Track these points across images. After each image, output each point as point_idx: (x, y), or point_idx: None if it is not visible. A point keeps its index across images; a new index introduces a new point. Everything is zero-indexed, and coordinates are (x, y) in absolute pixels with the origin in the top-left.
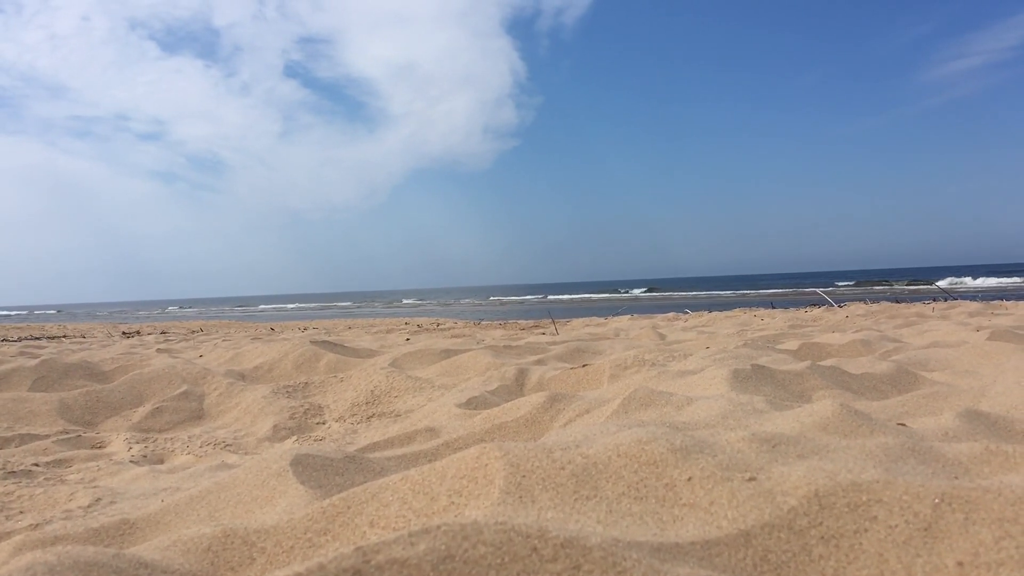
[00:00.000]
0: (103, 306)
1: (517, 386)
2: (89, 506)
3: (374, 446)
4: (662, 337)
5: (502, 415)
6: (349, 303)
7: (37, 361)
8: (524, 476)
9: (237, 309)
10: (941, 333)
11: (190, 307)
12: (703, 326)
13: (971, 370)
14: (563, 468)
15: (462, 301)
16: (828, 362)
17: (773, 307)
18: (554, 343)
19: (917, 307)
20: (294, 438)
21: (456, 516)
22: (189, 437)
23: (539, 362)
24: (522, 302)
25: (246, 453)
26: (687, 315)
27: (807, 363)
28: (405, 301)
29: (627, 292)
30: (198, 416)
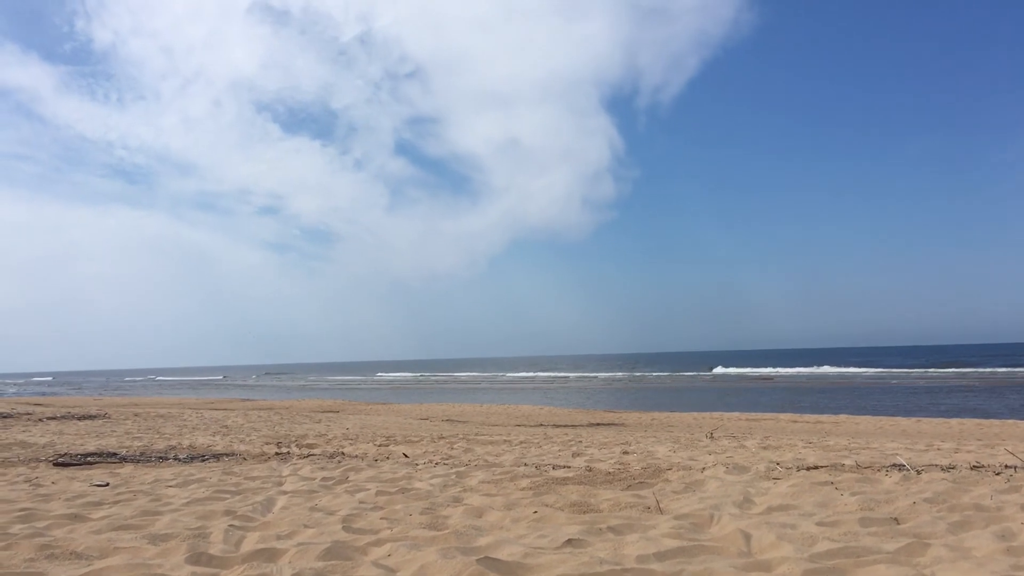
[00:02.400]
0: (226, 370)
1: None
2: None
3: None
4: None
5: None
6: (445, 374)
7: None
8: None
9: (354, 379)
10: None
11: (303, 373)
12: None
13: None
14: None
15: (551, 375)
16: None
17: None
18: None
19: None
20: None
21: None
22: None
23: None
24: (613, 382)
25: None
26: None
27: None
28: (509, 375)
29: (710, 371)
30: None
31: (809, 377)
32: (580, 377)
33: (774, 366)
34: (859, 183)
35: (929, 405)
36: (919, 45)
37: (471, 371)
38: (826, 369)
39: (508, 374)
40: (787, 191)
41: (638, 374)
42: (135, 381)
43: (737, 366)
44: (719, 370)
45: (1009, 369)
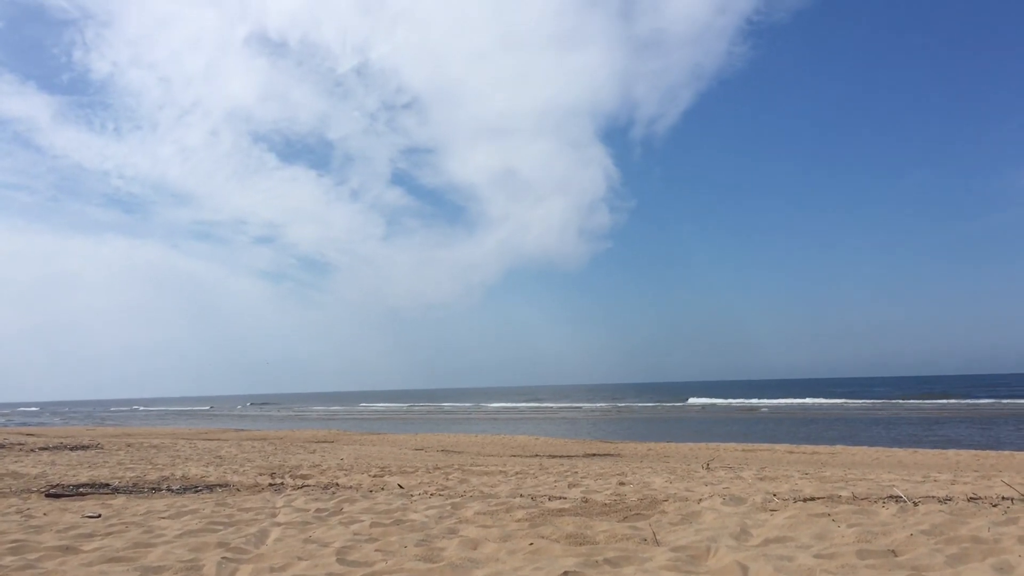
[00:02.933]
0: (217, 400)
1: None
2: None
3: None
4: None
5: None
6: (433, 405)
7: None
8: None
9: (348, 408)
10: None
11: (297, 403)
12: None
13: None
14: None
15: (541, 406)
16: None
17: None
18: None
19: None
20: None
21: None
22: None
23: None
24: (604, 412)
25: None
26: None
27: None
28: (493, 405)
29: (685, 401)
30: None
31: (799, 407)
32: (575, 407)
33: (763, 396)
34: (852, 214)
35: (924, 436)
36: (916, 73)
37: (466, 401)
38: (819, 400)
39: (503, 404)
40: (780, 222)
41: (633, 404)
42: (120, 412)
43: (725, 396)
44: (698, 400)
45: (1002, 400)
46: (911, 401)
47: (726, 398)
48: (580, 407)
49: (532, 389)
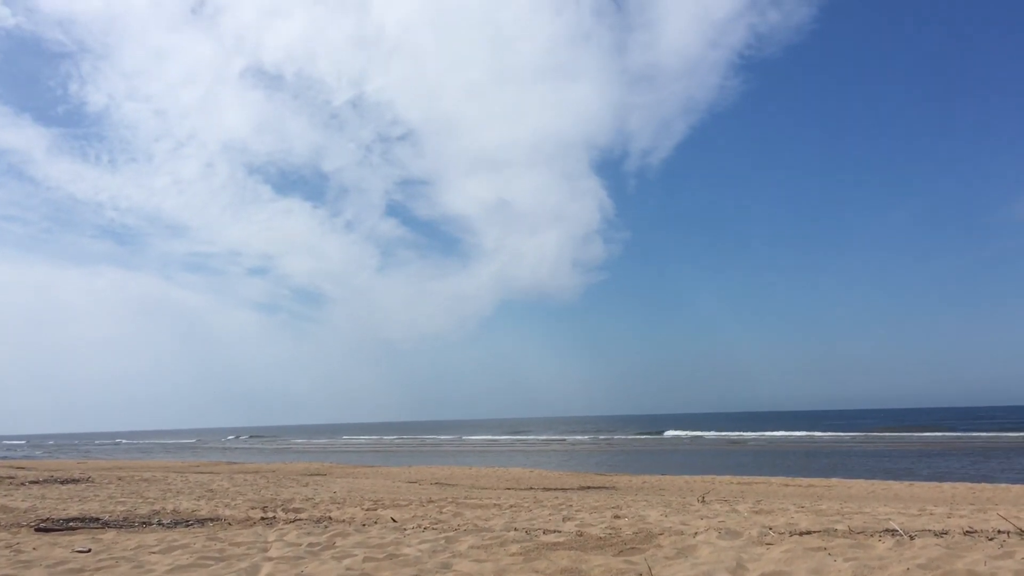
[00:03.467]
0: (210, 432)
1: None
2: None
3: None
4: None
5: None
6: (426, 437)
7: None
8: None
9: (341, 441)
10: None
11: (289, 436)
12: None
13: None
14: None
15: (535, 438)
16: None
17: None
18: None
19: None
20: None
21: None
22: None
23: None
24: (599, 444)
25: None
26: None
27: None
28: (474, 438)
29: (660, 433)
30: None
31: (794, 440)
32: (569, 439)
33: (757, 429)
34: (842, 248)
35: (918, 469)
36: (906, 108)
37: (459, 433)
38: (813, 433)
39: (497, 436)
40: (771, 255)
41: (627, 436)
42: (103, 445)
43: (718, 429)
44: (691, 432)
45: (992, 433)
46: (902, 434)
47: (720, 430)
48: (574, 439)
49: (526, 421)
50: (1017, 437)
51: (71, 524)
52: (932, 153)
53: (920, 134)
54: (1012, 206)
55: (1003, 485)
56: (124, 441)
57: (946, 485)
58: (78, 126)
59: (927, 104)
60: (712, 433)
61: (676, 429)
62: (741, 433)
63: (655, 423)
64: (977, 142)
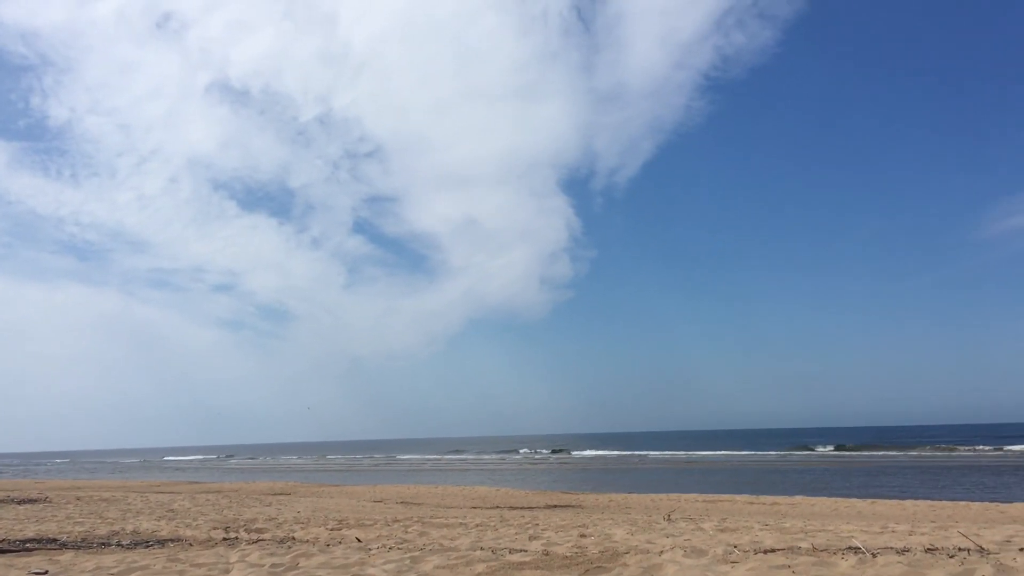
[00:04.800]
0: (173, 451)
1: None
2: None
3: None
4: None
5: None
6: (392, 456)
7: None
8: None
9: (306, 460)
10: None
11: (255, 456)
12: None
13: None
14: None
15: (501, 455)
16: None
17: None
18: None
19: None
20: None
21: None
22: None
23: None
24: (565, 462)
25: None
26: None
27: None
28: (440, 456)
29: (643, 454)
30: None
31: (760, 459)
32: (536, 456)
33: (723, 448)
34: (808, 267)
35: (881, 486)
36: (874, 127)
37: (427, 451)
38: (783, 452)
39: (463, 455)
40: (737, 275)
41: (593, 453)
42: (61, 464)
43: (683, 448)
44: (662, 453)
45: (952, 451)
46: (864, 452)
47: (686, 449)
48: (541, 456)
49: (493, 439)
50: (972, 455)
51: (28, 545)
52: (892, 175)
53: (879, 157)
54: (967, 229)
55: (963, 503)
56: (83, 460)
57: (907, 503)
58: (39, 140)
59: (887, 128)
60: (682, 453)
61: (643, 448)
62: (707, 452)
63: (623, 441)
64: (935, 164)
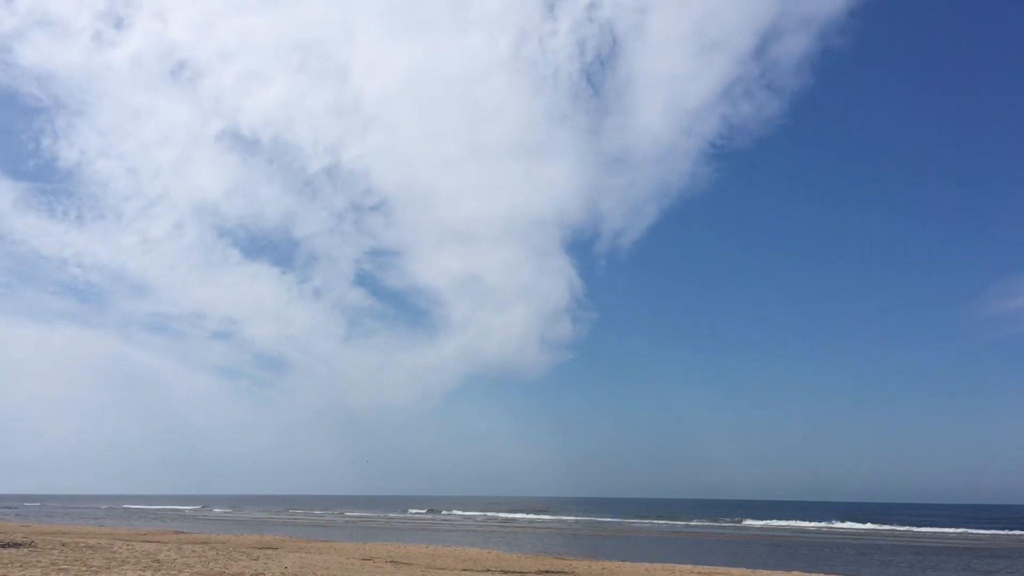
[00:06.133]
0: (158, 499)
1: None
2: None
3: None
4: None
5: None
6: (384, 512)
7: None
8: None
9: (296, 513)
10: None
11: (246, 505)
12: None
13: None
14: None
15: (494, 516)
16: None
17: None
18: None
19: None
20: None
21: None
22: None
23: None
24: (558, 525)
25: None
26: None
27: None
28: (433, 515)
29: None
30: None
31: (752, 530)
32: (529, 519)
33: (722, 517)
34: (811, 338)
35: (868, 566)
36: (875, 200)
37: (419, 508)
38: (776, 522)
39: (456, 513)
40: (738, 342)
41: (589, 518)
42: (48, 507)
43: (681, 516)
44: (658, 522)
45: (965, 529)
46: (863, 525)
47: (685, 518)
48: (534, 519)
49: (487, 499)
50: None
51: None
52: (896, 248)
53: (884, 231)
54: (969, 306)
55: None
56: (71, 504)
57: None
58: (48, 181)
59: (891, 202)
60: (680, 523)
61: (638, 514)
62: (705, 521)
63: (617, 506)
64: (940, 240)
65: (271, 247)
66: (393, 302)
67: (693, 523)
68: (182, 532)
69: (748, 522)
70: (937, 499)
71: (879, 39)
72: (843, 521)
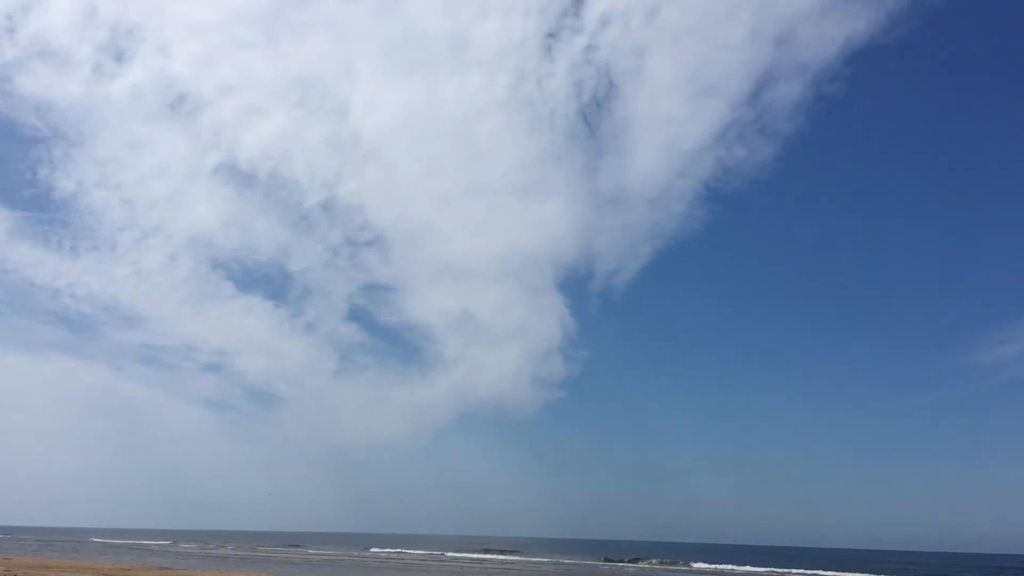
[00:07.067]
0: (143, 534)
1: None
2: None
3: None
4: None
5: None
6: (373, 552)
7: None
8: None
9: (282, 550)
10: None
11: (231, 543)
12: None
13: None
14: None
15: (486, 557)
16: None
17: None
18: None
19: None
20: None
21: None
22: None
23: None
24: (539, 569)
25: None
26: None
27: None
28: (420, 552)
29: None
30: None
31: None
32: (521, 561)
33: (717, 562)
34: (807, 379)
35: None
36: (872, 248)
37: (408, 547)
38: (766, 569)
39: (447, 552)
40: (734, 384)
41: (580, 561)
42: (33, 541)
43: (671, 559)
44: (649, 566)
45: None
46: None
47: (675, 563)
48: (525, 561)
49: (478, 538)
50: None
51: None
52: (889, 295)
53: (876, 277)
54: (962, 353)
55: None
56: (54, 537)
57: None
58: (43, 211)
59: (884, 248)
60: (682, 567)
61: (629, 555)
62: (703, 564)
63: (609, 549)
64: (932, 287)
65: (265, 280)
66: (385, 338)
67: (687, 567)
68: (166, 568)
69: (699, 565)
70: (927, 547)
71: (872, 86)
72: (813, 568)
